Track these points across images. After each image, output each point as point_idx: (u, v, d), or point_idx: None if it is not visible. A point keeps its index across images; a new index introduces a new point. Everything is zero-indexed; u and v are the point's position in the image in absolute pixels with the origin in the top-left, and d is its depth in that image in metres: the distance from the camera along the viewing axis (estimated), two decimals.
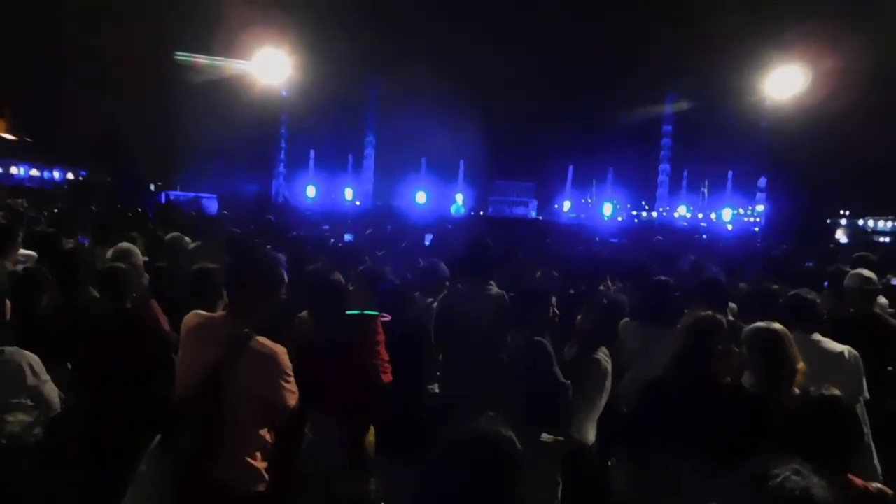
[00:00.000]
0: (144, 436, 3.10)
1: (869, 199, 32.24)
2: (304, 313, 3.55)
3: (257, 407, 2.73)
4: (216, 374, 2.62)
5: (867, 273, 4.51)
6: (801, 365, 3.17)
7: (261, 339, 2.72)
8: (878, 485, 2.31)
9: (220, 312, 2.85)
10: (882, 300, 4.93)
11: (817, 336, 3.66)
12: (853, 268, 4.99)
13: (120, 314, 3.71)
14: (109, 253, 4.71)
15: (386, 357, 3.52)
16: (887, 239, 24.05)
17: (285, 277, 2.92)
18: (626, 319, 4.29)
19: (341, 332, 3.35)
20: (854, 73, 17.69)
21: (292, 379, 2.79)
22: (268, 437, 2.78)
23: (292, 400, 2.79)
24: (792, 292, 3.96)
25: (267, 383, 2.71)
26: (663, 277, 4.62)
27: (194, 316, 2.86)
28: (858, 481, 2.27)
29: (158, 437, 2.77)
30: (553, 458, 3.58)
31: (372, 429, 3.51)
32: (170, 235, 5.94)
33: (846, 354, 3.60)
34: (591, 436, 3.74)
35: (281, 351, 2.75)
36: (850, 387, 3.31)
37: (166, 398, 2.98)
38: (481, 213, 28.09)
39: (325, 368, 2.83)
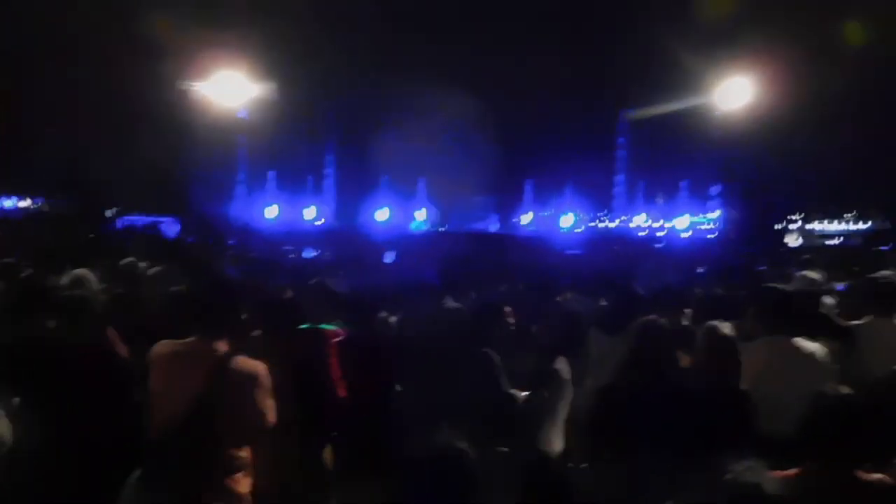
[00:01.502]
0: (106, 468, 3.05)
1: (819, 203, 33.34)
2: (258, 332, 3.56)
3: (243, 427, 2.73)
4: (205, 400, 2.60)
5: (811, 274, 4.68)
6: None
7: (241, 358, 2.74)
8: (879, 475, 2.31)
9: (191, 338, 2.80)
10: (828, 300, 5.12)
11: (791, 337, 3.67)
12: (799, 270, 5.20)
13: (78, 343, 3.64)
14: (64, 280, 4.62)
15: (339, 372, 3.53)
16: (837, 241, 24.95)
17: (243, 297, 2.94)
18: (594, 327, 4.39)
19: (294, 348, 3.36)
20: (798, 81, 18.40)
21: (271, 395, 2.79)
22: (249, 456, 2.78)
23: (273, 417, 2.80)
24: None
25: (253, 402, 2.70)
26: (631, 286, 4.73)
27: (165, 345, 2.81)
28: (863, 474, 2.28)
29: (137, 472, 2.72)
30: (511, 471, 3.61)
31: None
32: (124, 261, 5.85)
33: (818, 353, 3.61)
34: (556, 446, 3.78)
35: (262, 368, 2.76)
36: (824, 384, 3.36)
37: (132, 429, 2.93)
38: (441, 229, 28.18)
39: (280, 385, 2.83)
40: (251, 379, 2.71)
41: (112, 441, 3.16)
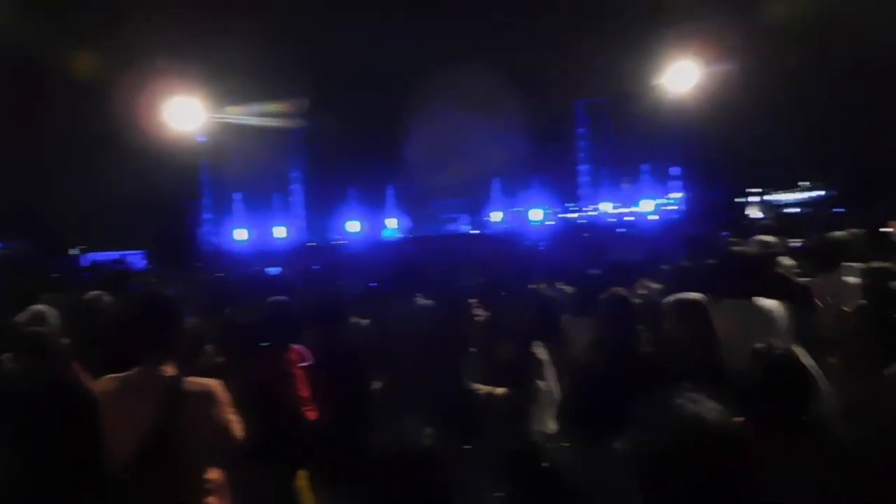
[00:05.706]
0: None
1: (776, 176, 34.05)
2: (221, 359, 3.50)
3: (206, 448, 2.69)
4: (159, 427, 2.56)
5: (766, 238, 4.82)
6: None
7: (191, 379, 2.69)
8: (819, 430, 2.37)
9: (134, 370, 2.73)
10: (787, 261, 5.25)
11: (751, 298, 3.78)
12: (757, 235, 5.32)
13: (43, 379, 3.56)
14: (23, 317, 4.53)
15: (307, 394, 3.46)
16: (797, 209, 25.60)
17: (182, 314, 2.86)
18: (568, 315, 4.44)
19: (255, 372, 3.30)
20: (743, 59, 18.88)
21: (233, 409, 2.76)
22: (218, 478, 2.74)
23: (239, 430, 2.77)
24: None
25: (212, 420, 2.67)
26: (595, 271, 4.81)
27: (110, 380, 2.76)
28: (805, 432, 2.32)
29: None
30: (488, 466, 3.61)
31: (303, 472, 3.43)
32: (88, 295, 5.75)
33: (776, 311, 3.74)
34: (550, 427, 3.77)
35: (215, 384, 2.73)
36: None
37: (99, 465, 2.88)
38: (413, 235, 28.19)
39: (244, 412, 2.80)
40: (205, 397, 2.67)
41: (79, 477, 3.10)
